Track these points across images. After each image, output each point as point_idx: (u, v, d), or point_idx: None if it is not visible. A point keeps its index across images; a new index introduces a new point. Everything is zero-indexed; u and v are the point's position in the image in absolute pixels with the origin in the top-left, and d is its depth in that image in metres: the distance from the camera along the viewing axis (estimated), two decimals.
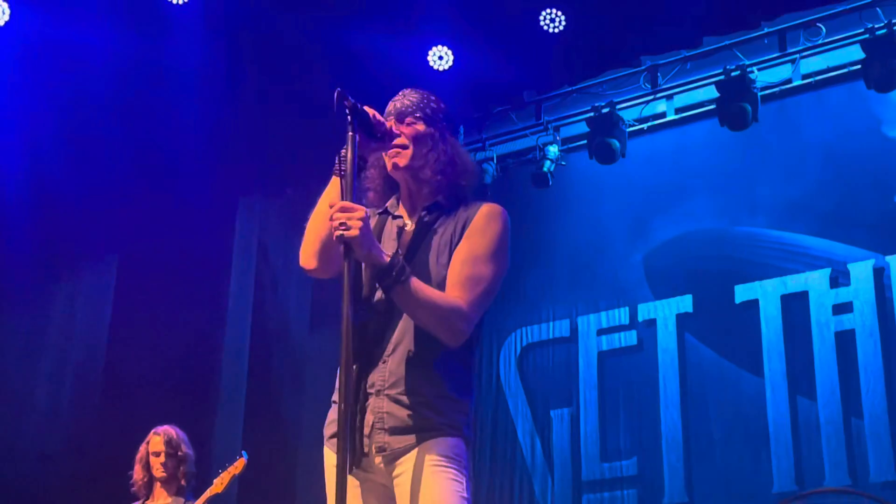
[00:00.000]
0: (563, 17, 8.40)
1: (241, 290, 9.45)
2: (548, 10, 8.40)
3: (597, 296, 9.34)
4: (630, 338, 9.10)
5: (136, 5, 8.26)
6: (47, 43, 8.25)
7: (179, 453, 6.70)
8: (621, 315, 9.16)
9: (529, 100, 9.44)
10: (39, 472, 8.67)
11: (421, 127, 3.38)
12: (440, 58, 8.73)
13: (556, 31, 8.42)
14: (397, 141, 3.35)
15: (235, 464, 6.70)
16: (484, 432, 9.31)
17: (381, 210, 3.47)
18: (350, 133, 3.13)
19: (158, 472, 6.64)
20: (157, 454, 6.67)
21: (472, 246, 3.27)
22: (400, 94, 3.47)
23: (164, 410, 7.82)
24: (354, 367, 3.20)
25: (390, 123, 3.35)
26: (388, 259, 3.10)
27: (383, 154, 3.38)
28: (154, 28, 8.33)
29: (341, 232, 3.00)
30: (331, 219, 3.03)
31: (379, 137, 3.26)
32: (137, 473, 6.69)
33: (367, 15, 8.29)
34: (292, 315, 9.45)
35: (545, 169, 9.12)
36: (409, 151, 3.35)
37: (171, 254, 8.94)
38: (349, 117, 3.14)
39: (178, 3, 8.34)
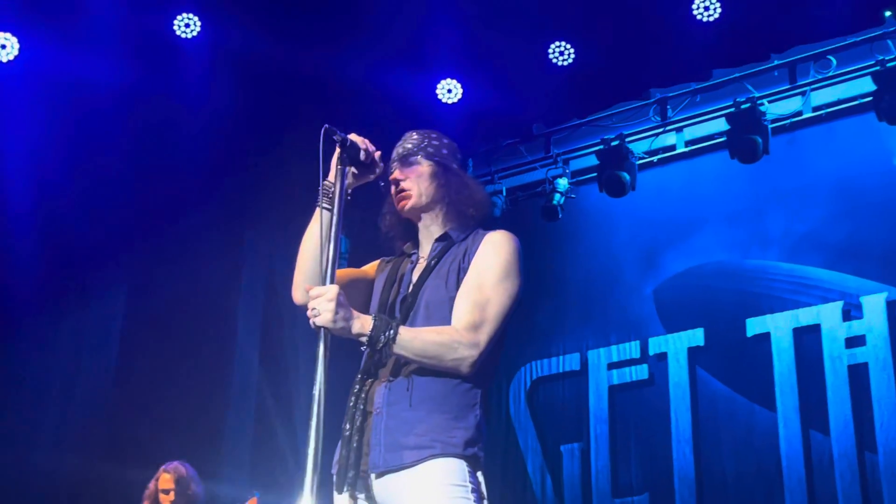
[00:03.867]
0: (572, 50, 8.40)
1: (249, 322, 9.45)
2: (557, 43, 8.40)
3: (607, 329, 9.28)
4: (641, 371, 9.03)
5: (144, 39, 8.29)
6: (56, 77, 8.28)
7: (189, 491, 6.64)
8: (632, 349, 9.10)
9: (539, 133, 9.43)
10: None
11: (423, 167, 3.50)
12: (449, 91, 8.74)
13: (565, 63, 8.42)
14: (401, 185, 3.47)
15: (248, 503, 6.62)
16: (493, 468, 9.22)
17: (399, 254, 3.59)
18: (339, 167, 3.24)
19: None
20: (167, 492, 6.61)
21: (478, 271, 3.31)
22: (402, 138, 3.57)
23: (172, 445, 7.80)
24: (356, 390, 3.27)
25: (396, 172, 3.48)
26: (370, 325, 3.11)
27: (392, 198, 3.50)
28: (163, 62, 8.36)
29: (312, 319, 3.04)
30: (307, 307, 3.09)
31: (368, 165, 3.36)
32: None
33: (377, 49, 8.30)
34: (301, 348, 9.41)
35: (555, 202, 9.08)
36: (413, 192, 3.47)
37: (180, 287, 8.94)
38: (339, 151, 3.25)
39: (186, 37, 8.36)
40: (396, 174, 3.49)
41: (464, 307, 3.24)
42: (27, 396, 9.13)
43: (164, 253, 9.07)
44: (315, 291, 3.07)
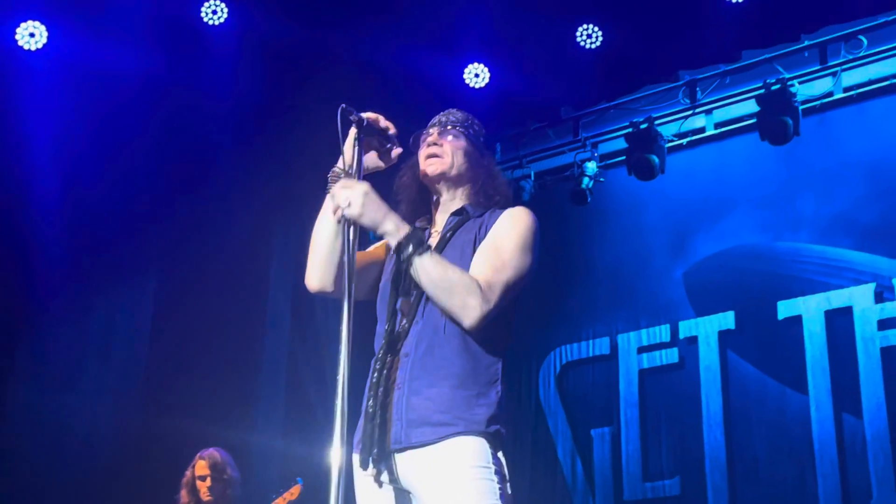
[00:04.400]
0: (599, 33, 8.35)
1: (279, 306, 9.51)
2: (584, 26, 8.36)
3: (637, 313, 9.25)
4: (671, 355, 8.99)
5: (172, 27, 8.31)
6: (84, 65, 8.31)
7: (225, 476, 6.66)
8: (662, 332, 9.06)
9: (567, 116, 9.40)
10: (79, 492, 8.70)
11: (462, 142, 3.48)
12: (476, 75, 8.71)
13: (593, 46, 8.38)
14: (434, 150, 3.45)
15: (291, 490, 6.63)
16: (524, 452, 9.23)
17: None
18: (356, 149, 3.23)
19: (205, 496, 6.61)
20: (203, 478, 6.63)
21: (497, 238, 3.29)
22: (446, 111, 3.57)
23: (204, 426, 7.85)
24: (378, 366, 3.24)
25: (434, 135, 3.46)
26: (406, 230, 3.13)
27: (420, 158, 3.48)
28: (190, 49, 8.38)
29: (342, 210, 3.08)
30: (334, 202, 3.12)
31: (387, 149, 3.36)
32: (184, 497, 6.67)
33: (404, 34, 8.28)
34: (333, 329, 9.44)
35: (583, 185, 9.05)
36: (447, 160, 3.45)
37: (209, 270, 9.00)
38: (356, 132, 3.24)
39: (214, 24, 8.37)
40: (435, 137, 3.47)
41: (482, 266, 3.22)
42: (59, 382, 9.22)
43: (193, 236, 9.13)
44: (344, 182, 3.12)
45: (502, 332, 3.29)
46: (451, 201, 3.49)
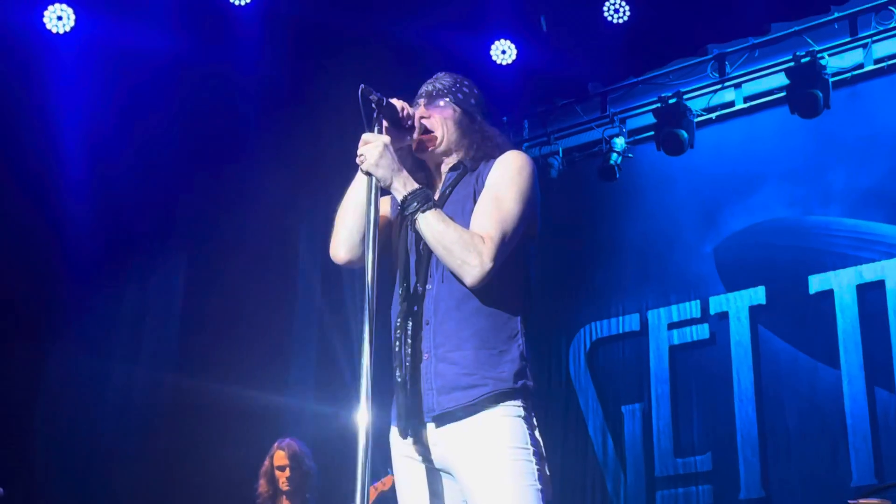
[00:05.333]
0: (627, 8, 8.33)
1: (308, 284, 9.56)
2: (612, 1, 8.34)
3: (667, 289, 9.22)
4: (702, 331, 8.96)
5: (197, 8, 8.32)
6: (111, 47, 8.35)
7: (304, 467, 6.75)
8: (692, 308, 9.03)
9: (594, 92, 9.35)
10: (111, 472, 8.79)
11: (449, 111, 3.44)
12: (503, 52, 8.70)
13: (621, 21, 8.35)
14: (425, 125, 3.41)
15: (383, 480, 6.65)
16: (555, 429, 9.22)
17: None
18: (377, 128, 3.24)
19: (284, 485, 6.69)
20: (283, 468, 6.71)
21: (493, 189, 3.28)
22: (433, 77, 3.54)
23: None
24: (399, 335, 3.25)
25: (421, 108, 3.43)
26: (413, 186, 3.19)
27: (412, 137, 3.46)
28: (216, 29, 8.39)
29: (360, 163, 3.18)
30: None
31: (407, 128, 3.35)
32: (262, 487, 6.75)
33: (430, 11, 8.27)
34: (359, 307, 9.48)
35: (612, 162, 9.01)
36: (438, 136, 3.42)
37: (240, 243, 9.06)
38: (375, 112, 3.24)
39: (239, 4, 8.37)
40: (422, 111, 3.43)
41: (480, 220, 3.21)
42: (92, 364, 9.30)
43: (223, 216, 9.20)
44: (366, 137, 3.20)
45: (517, 285, 3.30)
46: (446, 165, 3.46)
